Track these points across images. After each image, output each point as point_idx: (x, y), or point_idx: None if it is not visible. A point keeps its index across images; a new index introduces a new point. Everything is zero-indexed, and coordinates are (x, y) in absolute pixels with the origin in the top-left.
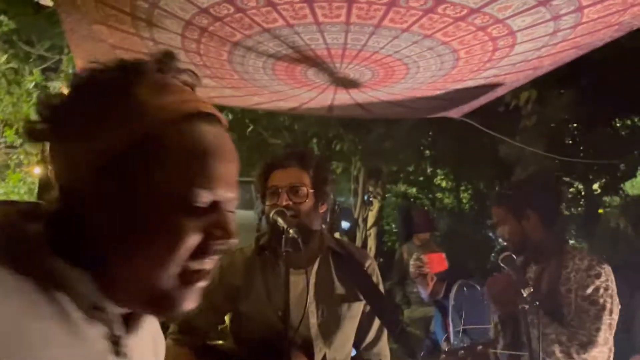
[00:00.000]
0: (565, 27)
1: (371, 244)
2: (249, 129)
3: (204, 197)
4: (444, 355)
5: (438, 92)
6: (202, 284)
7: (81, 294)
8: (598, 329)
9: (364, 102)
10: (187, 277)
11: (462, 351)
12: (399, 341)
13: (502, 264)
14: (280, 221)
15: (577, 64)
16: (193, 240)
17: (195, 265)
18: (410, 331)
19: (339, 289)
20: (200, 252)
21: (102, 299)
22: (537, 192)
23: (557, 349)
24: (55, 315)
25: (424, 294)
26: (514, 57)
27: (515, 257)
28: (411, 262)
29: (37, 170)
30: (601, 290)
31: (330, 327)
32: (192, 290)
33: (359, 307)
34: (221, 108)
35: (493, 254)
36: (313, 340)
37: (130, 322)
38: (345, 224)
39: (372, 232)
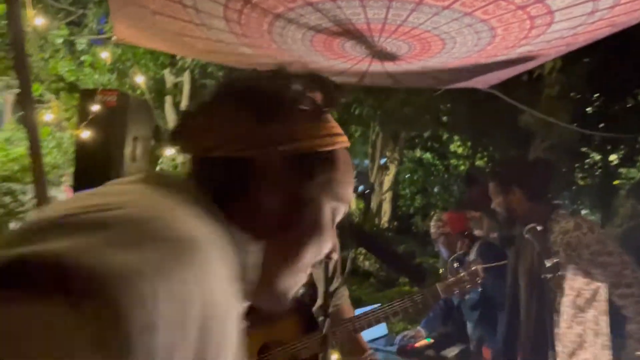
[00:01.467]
0: (603, 7)
1: (386, 207)
2: None
3: (343, 213)
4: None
5: (469, 65)
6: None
7: (249, 267)
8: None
9: (395, 73)
10: None
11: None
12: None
13: (526, 236)
14: None
15: None
16: (327, 249)
17: None
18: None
19: None
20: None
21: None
22: (523, 170)
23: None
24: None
25: (445, 253)
26: (550, 35)
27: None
28: (432, 222)
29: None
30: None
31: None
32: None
33: None
34: None
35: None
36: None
37: None
38: (360, 187)
39: (388, 196)
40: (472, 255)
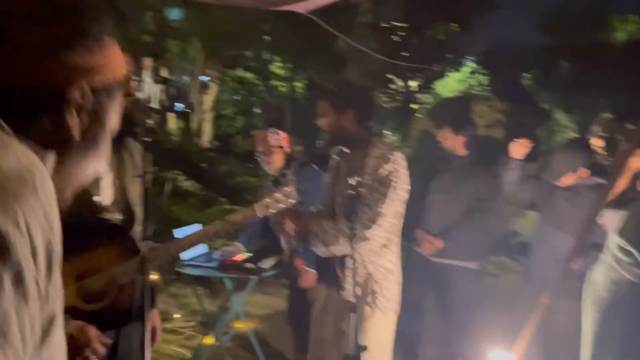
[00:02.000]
0: None
1: (207, 127)
2: None
3: None
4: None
5: None
6: None
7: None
8: (384, 202)
9: None
10: None
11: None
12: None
13: (334, 156)
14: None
15: None
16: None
17: None
18: None
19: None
20: None
21: None
22: (358, 93)
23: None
24: None
25: (270, 172)
26: None
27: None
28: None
29: None
30: (387, 173)
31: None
32: None
33: None
34: None
35: (319, 141)
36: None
37: None
38: (179, 105)
39: (208, 116)
40: (289, 175)
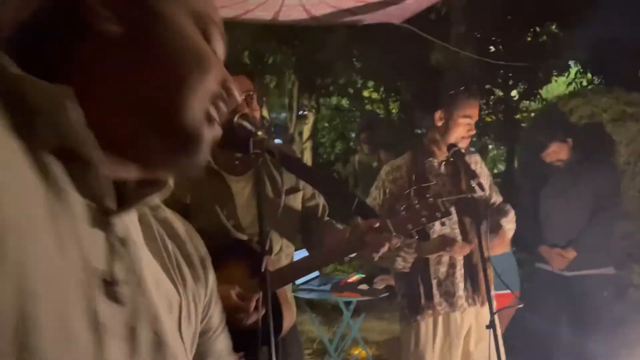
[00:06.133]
0: None
1: (307, 157)
2: None
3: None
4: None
5: None
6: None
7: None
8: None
9: (312, 8)
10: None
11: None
12: (360, 212)
13: (452, 158)
14: (246, 124)
15: None
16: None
17: None
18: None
19: (286, 183)
20: None
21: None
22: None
23: None
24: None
25: None
26: None
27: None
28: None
29: None
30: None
31: (279, 220)
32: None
33: (298, 197)
34: None
35: None
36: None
37: (126, 194)
38: (277, 140)
39: (308, 145)
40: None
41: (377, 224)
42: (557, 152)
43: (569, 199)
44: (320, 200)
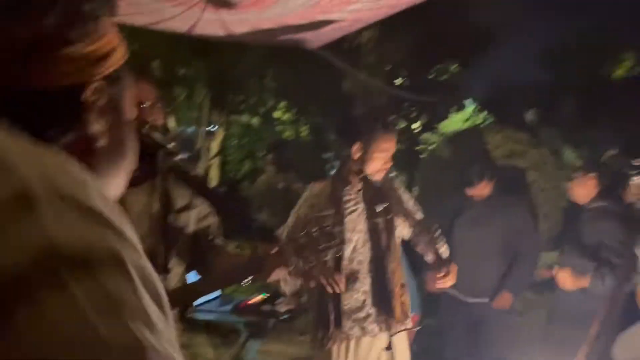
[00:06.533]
0: None
1: (214, 174)
2: None
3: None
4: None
5: (303, 22)
6: None
7: None
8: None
9: (231, 25)
10: None
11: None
12: (259, 235)
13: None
14: (156, 135)
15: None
16: None
17: None
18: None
19: (179, 200)
20: None
21: None
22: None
23: None
24: None
25: None
26: None
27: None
28: None
29: None
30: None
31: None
32: None
33: (192, 215)
34: None
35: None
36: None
37: None
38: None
39: (215, 162)
40: None
41: (276, 249)
42: (481, 190)
43: (483, 228)
44: (214, 221)
